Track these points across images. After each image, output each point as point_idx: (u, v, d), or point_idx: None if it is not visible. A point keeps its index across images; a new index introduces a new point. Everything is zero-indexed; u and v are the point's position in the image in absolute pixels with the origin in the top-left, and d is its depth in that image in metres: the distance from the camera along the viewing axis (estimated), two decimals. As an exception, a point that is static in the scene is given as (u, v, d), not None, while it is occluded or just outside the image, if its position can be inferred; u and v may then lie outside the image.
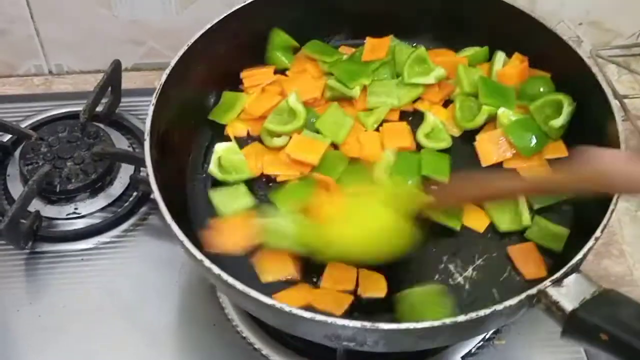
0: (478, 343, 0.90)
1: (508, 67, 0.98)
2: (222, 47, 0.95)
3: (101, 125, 1.06)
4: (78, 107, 1.06)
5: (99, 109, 1.06)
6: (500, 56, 0.98)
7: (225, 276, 0.72)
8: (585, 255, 0.74)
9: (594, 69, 0.89)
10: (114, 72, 1.05)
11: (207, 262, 0.73)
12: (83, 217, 1.00)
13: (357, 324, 0.68)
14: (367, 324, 0.68)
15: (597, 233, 0.75)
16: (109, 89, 1.06)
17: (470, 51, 1.01)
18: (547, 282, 0.70)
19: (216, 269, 0.72)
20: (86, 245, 0.98)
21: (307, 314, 0.69)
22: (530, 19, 0.95)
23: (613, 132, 0.83)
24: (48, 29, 1.15)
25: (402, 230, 0.78)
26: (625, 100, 1.07)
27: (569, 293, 0.70)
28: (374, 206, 0.80)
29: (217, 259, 0.76)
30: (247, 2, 0.95)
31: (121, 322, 0.92)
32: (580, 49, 0.91)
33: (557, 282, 0.71)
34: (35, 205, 0.98)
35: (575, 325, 0.68)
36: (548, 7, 1.15)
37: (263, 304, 0.70)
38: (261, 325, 0.90)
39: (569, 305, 0.69)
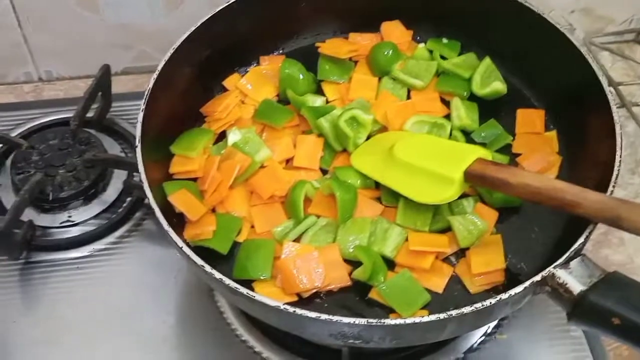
0: (480, 338, 0.90)
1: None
2: (207, 49, 0.95)
3: (92, 131, 1.05)
4: (69, 113, 1.05)
5: (89, 114, 1.05)
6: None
7: (227, 280, 0.71)
8: (586, 239, 0.73)
9: (588, 57, 0.88)
10: (104, 77, 1.04)
11: (208, 268, 0.72)
12: (77, 224, 0.99)
13: (362, 321, 0.68)
14: (374, 321, 0.68)
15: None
16: (99, 94, 1.05)
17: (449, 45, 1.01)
18: (553, 266, 0.70)
19: (217, 274, 0.71)
20: (81, 253, 0.97)
21: (313, 314, 0.68)
22: (521, 7, 0.94)
23: (608, 120, 0.83)
24: (36, 36, 1.14)
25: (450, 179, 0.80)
26: (620, 87, 1.06)
27: (576, 275, 0.69)
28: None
29: (212, 261, 0.76)
30: (230, 2, 0.94)
31: (118, 329, 0.91)
32: (573, 37, 0.91)
33: (564, 265, 0.70)
34: (28, 214, 0.97)
35: (584, 308, 0.67)
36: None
37: (268, 306, 0.69)
38: (260, 328, 0.89)
39: (577, 287, 0.68)
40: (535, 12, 0.93)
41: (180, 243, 0.74)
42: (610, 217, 0.70)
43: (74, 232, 0.98)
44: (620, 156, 0.79)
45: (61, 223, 0.98)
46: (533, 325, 0.90)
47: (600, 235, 0.98)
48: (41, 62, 1.18)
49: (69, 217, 0.99)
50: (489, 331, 0.90)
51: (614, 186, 0.77)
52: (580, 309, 0.68)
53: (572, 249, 0.71)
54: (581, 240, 0.72)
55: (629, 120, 1.05)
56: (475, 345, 0.89)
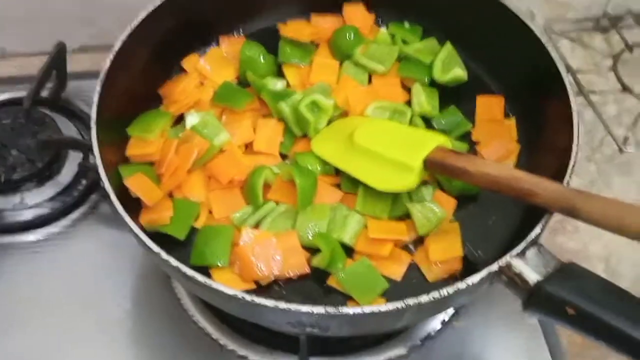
0: (437, 325, 0.90)
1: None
2: (167, 27, 0.92)
3: (47, 111, 1.03)
4: (22, 92, 1.02)
5: (44, 94, 1.02)
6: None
7: (184, 268, 0.70)
8: (542, 229, 0.74)
9: (547, 45, 0.88)
10: (58, 55, 1.01)
11: (164, 255, 0.71)
12: (31, 207, 0.96)
13: (320, 309, 0.68)
14: (331, 310, 0.67)
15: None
16: (54, 72, 1.02)
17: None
18: (509, 255, 0.71)
19: (174, 261, 0.71)
20: (36, 237, 0.95)
21: (270, 303, 0.68)
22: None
23: (566, 108, 0.83)
24: (-11, 10, 1.11)
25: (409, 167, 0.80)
26: (579, 75, 1.07)
27: (532, 265, 0.70)
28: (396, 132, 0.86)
29: (169, 247, 0.75)
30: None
31: (75, 313, 0.90)
32: (533, 23, 0.91)
33: (520, 255, 0.71)
34: (-21, 196, 0.95)
35: (540, 297, 0.68)
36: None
37: (225, 294, 0.69)
38: (217, 315, 0.89)
39: (533, 277, 0.69)
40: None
41: (135, 229, 0.73)
42: (566, 207, 0.71)
43: (28, 215, 0.96)
44: (578, 145, 0.80)
45: (14, 205, 0.96)
46: (489, 313, 0.91)
47: (555, 223, 1.00)
48: (-6, 37, 1.15)
49: (22, 199, 0.97)
50: (446, 319, 0.91)
51: (570, 175, 0.78)
52: (536, 299, 0.69)
53: (528, 238, 0.72)
54: (537, 230, 0.73)
55: (586, 108, 1.06)
56: (432, 333, 0.90)
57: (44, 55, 1.02)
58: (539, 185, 0.73)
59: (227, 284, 0.72)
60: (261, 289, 0.79)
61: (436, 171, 0.83)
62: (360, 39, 0.98)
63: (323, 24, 1.00)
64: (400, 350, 0.89)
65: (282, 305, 0.68)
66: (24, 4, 1.10)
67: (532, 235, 0.73)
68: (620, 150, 0.97)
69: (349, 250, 0.82)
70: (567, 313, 0.66)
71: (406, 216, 0.84)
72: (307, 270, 0.80)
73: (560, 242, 1.00)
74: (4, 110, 1.02)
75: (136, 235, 0.73)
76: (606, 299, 0.66)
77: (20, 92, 1.04)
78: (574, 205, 0.70)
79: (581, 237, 1.00)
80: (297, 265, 0.80)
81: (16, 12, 1.11)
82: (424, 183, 0.85)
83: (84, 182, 0.99)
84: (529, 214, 0.80)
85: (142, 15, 0.88)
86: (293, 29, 0.98)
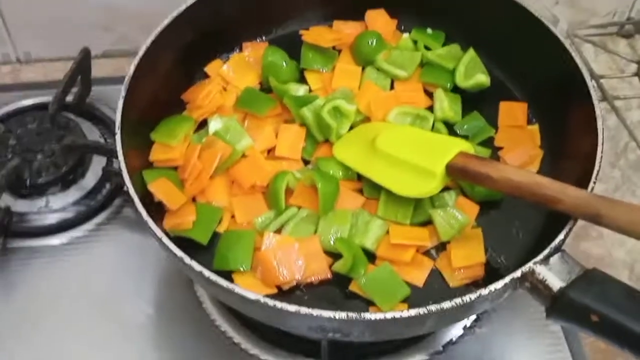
0: (459, 331, 0.90)
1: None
2: (190, 33, 0.93)
3: (71, 116, 1.04)
4: (48, 97, 1.03)
5: (69, 98, 1.04)
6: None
7: (207, 273, 0.70)
8: (566, 235, 0.74)
9: (571, 50, 0.88)
10: (83, 61, 1.02)
11: (187, 260, 0.71)
12: (55, 211, 0.97)
13: (342, 315, 0.67)
14: (353, 315, 0.67)
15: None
16: (79, 78, 1.03)
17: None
18: (533, 262, 0.70)
19: (197, 266, 0.71)
20: (60, 240, 0.96)
21: (292, 308, 0.68)
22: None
23: (590, 114, 0.83)
24: (15, 15, 1.12)
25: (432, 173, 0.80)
26: (602, 80, 1.06)
27: (555, 272, 0.70)
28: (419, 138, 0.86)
29: (192, 251, 0.75)
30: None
31: (97, 317, 0.90)
32: (557, 29, 0.91)
33: (544, 261, 0.70)
34: (5, 200, 0.96)
35: (563, 304, 0.68)
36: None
37: (247, 299, 0.69)
38: (239, 319, 0.89)
39: (557, 283, 0.69)
40: (519, 3, 0.93)
41: (159, 233, 0.74)
42: (589, 214, 0.70)
43: (52, 218, 0.97)
44: (602, 151, 0.80)
45: (39, 209, 0.97)
46: (512, 320, 0.90)
47: (579, 229, 0.99)
48: (20, 42, 1.16)
49: (47, 203, 0.98)
50: (468, 325, 0.90)
51: (594, 182, 0.77)
52: (559, 306, 0.68)
53: (552, 245, 0.72)
54: (561, 236, 0.73)
55: (610, 113, 1.05)
56: (454, 339, 0.89)
57: (68, 61, 1.04)
58: (562, 192, 0.73)
59: (249, 288, 0.72)
60: (283, 294, 0.79)
61: (458, 177, 0.83)
62: (383, 44, 0.98)
63: (345, 30, 1.01)
64: (421, 356, 0.89)
65: (304, 310, 0.68)
66: (48, 12, 1.11)
67: (556, 241, 0.72)
68: (645, 156, 0.96)
69: (370, 256, 0.82)
70: (590, 320, 0.66)
71: (428, 222, 0.84)
72: (329, 275, 0.80)
73: (584, 248, 0.99)
74: (30, 115, 1.03)
75: (159, 240, 0.74)
76: (630, 306, 0.65)
77: (45, 97, 1.05)
78: (598, 211, 0.70)
79: (605, 243, 0.99)
80: (319, 270, 0.80)
81: (41, 19, 1.12)
82: (446, 189, 0.85)
83: (107, 186, 0.99)
84: (552, 220, 0.80)
85: (166, 21, 0.89)
86: (315, 34, 0.98)
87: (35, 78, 1.16)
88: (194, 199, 0.85)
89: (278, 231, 0.83)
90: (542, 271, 0.70)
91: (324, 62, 0.98)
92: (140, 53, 0.86)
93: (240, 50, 1.00)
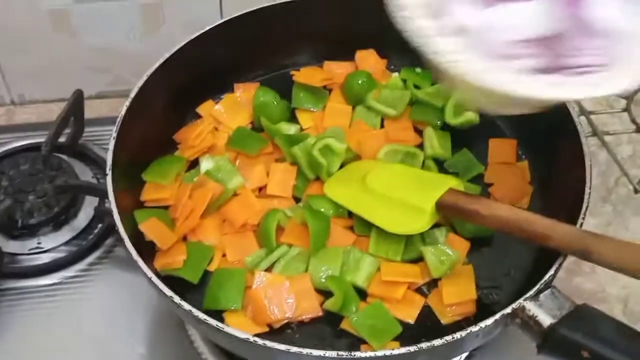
0: (454, 367, 0.90)
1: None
2: (182, 75, 0.94)
3: (64, 157, 1.04)
4: (41, 138, 1.03)
5: (62, 139, 1.04)
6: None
7: (196, 312, 0.70)
8: (556, 271, 0.74)
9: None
10: (76, 102, 1.03)
11: (177, 299, 0.71)
12: (47, 251, 0.97)
13: (332, 354, 0.67)
14: (344, 354, 0.67)
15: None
16: (72, 119, 1.04)
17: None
18: (523, 298, 0.70)
19: (187, 306, 0.71)
20: (51, 281, 0.95)
21: (282, 347, 0.68)
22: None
23: (579, 150, 0.84)
24: (9, 58, 1.13)
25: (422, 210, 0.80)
26: (592, 116, 1.07)
27: (546, 308, 0.70)
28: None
29: (183, 289, 0.75)
30: (207, 29, 0.94)
31: (89, 357, 0.90)
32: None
33: (534, 297, 0.70)
34: (-3, 241, 0.96)
35: (554, 341, 0.68)
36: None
37: (237, 338, 0.69)
38: (230, 358, 0.88)
39: (547, 319, 0.69)
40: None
41: (149, 273, 0.74)
42: (579, 250, 0.71)
43: (44, 259, 0.97)
44: (590, 188, 0.80)
45: (30, 250, 0.97)
46: (504, 355, 0.90)
47: (572, 264, 0.99)
48: (14, 84, 1.17)
49: (39, 243, 0.98)
50: (463, 358, 0.90)
51: (583, 218, 0.78)
52: (551, 342, 0.68)
53: (542, 281, 0.72)
54: (551, 272, 0.73)
55: (600, 149, 1.06)
56: (447, 374, 0.89)
57: (61, 102, 1.04)
58: (552, 228, 0.73)
59: (239, 327, 0.72)
60: (274, 332, 0.79)
61: (449, 213, 0.83)
62: (373, 83, 0.99)
63: (336, 70, 1.02)
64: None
65: (294, 349, 0.67)
66: (42, 53, 1.12)
67: (546, 278, 0.72)
68: (636, 190, 0.96)
69: (362, 293, 0.82)
70: (581, 356, 0.66)
71: (419, 259, 0.84)
72: (320, 313, 0.80)
73: (577, 283, 0.99)
74: (23, 156, 1.04)
75: (149, 280, 0.74)
76: (620, 342, 0.65)
77: (38, 139, 1.05)
78: (588, 247, 0.70)
79: (598, 278, 0.99)
80: (310, 308, 0.80)
81: (36, 63, 1.14)
82: (437, 225, 0.85)
83: (99, 226, 1.00)
84: (543, 256, 0.80)
85: (158, 63, 0.90)
86: (306, 74, 1.00)
87: (29, 119, 1.17)
88: (185, 238, 0.86)
89: (269, 269, 0.83)
90: (532, 307, 0.70)
91: (315, 102, 0.99)
92: (132, 95, 0.87)
93: (232, 90, 1.01)
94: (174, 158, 0.92)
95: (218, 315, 0.79)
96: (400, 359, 0.69)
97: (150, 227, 0.83)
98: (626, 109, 1.05)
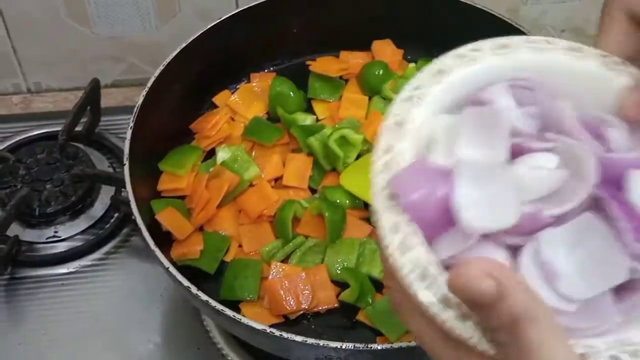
0: None
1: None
2: (198, 65, 0.94)
3: (81, 146, 1.04)
4: (57, 127, 1.04)
5: (78, 128, 1.04)
6: None
7: (213, 303, 0.70)
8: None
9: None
10: (93, 91, 1.03)
11: (193, 289, 0.71)
12: (63, 240, 0.97)
13: (349, 345, 0.67)
14: (360, 346, 0.67)
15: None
16: (88, 108, 1.04)
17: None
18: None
19: (203, 296, 0.71)
20: (67, 269, 0.96)
21: (299, 338, 0.68)
22: (510, 27, 0.94)
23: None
24: (26, 47, 1.13)
25: None
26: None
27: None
28: None
29: (200, 279, 0.75)
30: (223, 18, 0.94)
31: (104, 346, 0.90)
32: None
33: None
34: (14, 229, 0.96)
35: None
36: (531, 15, 1.15)
37: (253, 329, 0.69)
38: (246, 348, 0.88)
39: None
40: (526, 34, 0.93)
41: (166, 263, 0.74)
42: None
43: (61, 247, 0.97)
44: None
45: (47, 238, 0.97)
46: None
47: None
48: (30, 73, 1.17)
49: (55, 232, 0.98)
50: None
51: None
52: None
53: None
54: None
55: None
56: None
57: (77, 91, 1.04)
58: None
59: (256, 318, 0.72)
60: (290, 323, 0.79)
61: None
62: (389, 74, 0.98)
63: (352, 60, 1.01)
64: (430, 386, 0.88)
65: (311, 340, 0.67)
66: (58, 45, 1.13)
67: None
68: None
69: (378, 285, 0.82)
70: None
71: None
72: (335, 304, 0.80)
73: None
74: (39, 145, 1.04)
75: (166, 270, 0.74)
76: None
77: (55, 127, 1.06)
78: None
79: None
80: (326, 299, 0.80)
81: (52, 52, 1.14)
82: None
83: (116, 215, 1.00)
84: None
85: (174, 53, 0.90)
86: (322, 64, 0.99)
87: (45, 108, 1.17)
88: (201, 228, 0.86)
89: (285, 260, 0.83)
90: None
91: (331, 92, 0.98)
92: (149, 84, 0.87)
93: (248, 80, 1.01)
94: (191, 148, 0.92)
95: (234, 305, 0.79)
96: (417, 351, 0.69)
97: (168, 217, 0.83)
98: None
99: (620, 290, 0.39)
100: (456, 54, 0.46)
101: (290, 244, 0.84)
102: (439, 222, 0.40)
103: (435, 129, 0.43)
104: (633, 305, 0.39)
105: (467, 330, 0.36)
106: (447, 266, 0.39)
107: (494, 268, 0.34)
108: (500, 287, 0.34)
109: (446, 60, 0.46)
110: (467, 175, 0.39)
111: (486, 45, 0.46)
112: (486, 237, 0.40)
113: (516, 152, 0.42)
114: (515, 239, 0.40)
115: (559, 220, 0.40)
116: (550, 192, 0.41)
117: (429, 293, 0.38)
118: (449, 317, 0.37)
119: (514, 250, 0.40)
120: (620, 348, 0.37)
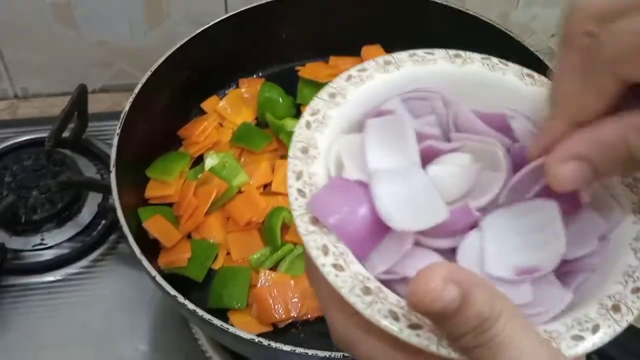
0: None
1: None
2: (186, 71, 0.94)
3: (68, 152, 1.04)
4: (44, 133, 1.03)
5: (65, 134, 1.03)
6: None
7: (200, 312, 0.70)
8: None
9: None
10: (79, 97, 1.02)
11: (180, 298, 0.71)
12: (50, 247, 0.96)
13: (338, 355, 0.67)
14: (349, 355, 0.66)
15: None
16: (75, 113, 1.03)
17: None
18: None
19: (190, 305, 0.70)
20: (54, 277, 0.95)
21: (287, 347, 0.67)
22: (501, 33, 0.94)
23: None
24: (13, 52, 1.12)
25: None
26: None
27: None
28: None
29: (187, 287, 0.74)
30: (211, 24, 0.93)
31: (92, 354, 0.89)
32: (553, 61, 0.90)
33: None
34: (0, 237, 0.95)
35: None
36: (520, 20, 1.15)
37: (241, 338, 0.68)
38: (235, 357, 0.88)
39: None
40: (514, 38, 0.93)
41: (153, 272, 0.73)
42: None
43: (47, 255, 0.96)
44: None
45: (34, 246, 0.96)
46: None
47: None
48: (17, 78, 1.16)
49: (42, 240, 0.97)
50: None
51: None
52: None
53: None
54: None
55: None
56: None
57: (65, 96, 1.04)
58: None
59: (244, 326, 0.72)
60: (279, 331, 0.79)
61: None
62: (379, 79, 0.98)
63: (342, 65, 1.01)
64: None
65: (299, 349, 0.67)
66: (46, 50, 1.12)
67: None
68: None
69: (367, 292, 0.81)
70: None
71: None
72: (325, 313, 0.80)
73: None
74: (26, 151, 1.03)
75: (153, 279, 0.73)
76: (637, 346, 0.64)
77: (41, 133, 1.05)
78: None
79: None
80: (315, 307, 0.79)
81: (39, 57, 1.13)
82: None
83: (103, 222, 0.99)
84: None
85: (161, 59, 0.89)
86: (311, 70, 0.99)
87: (32, 114, 1.16)
88: (189, 236, 0.85)
89: (274, 268, 0.83)
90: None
91: (320, 98, 0.98)
92: (136, 90, 0.86)
93: (237, 86, 1.00)
94: (178, 154, 0.92)
95: (222, 314, 0.79)
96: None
97: (155, 225, 0.82)
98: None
99: (562, 277, 0.41)
100: (346, 75, 0.47)
101: (279, 251, 0.83)
102: (368, 236, 0.40)
103: (341, 149, 0.44)
104: (577, 287, 0.41)
105: (421, 340, 0.36)
106: (384, 281, 0.39)
107: (451, 272, 0.33)
108: (462, 291, 0.33)
109: (338, 82, 0.47)
110: (385, 182, 0.40)
111: (370, 65, 0.48)
112: (418, 244, 0.40)
113: (426, 158, 0.43)
114: (447, 241, 0.41)
115: (485, 212, 0.41)
116: (470, 188, 0.42)
117: (372, 310, 0.37)
118: (401, 329, 0.36)
119: (447, 255, 0.41)
120: (579, 327, 0.38)
